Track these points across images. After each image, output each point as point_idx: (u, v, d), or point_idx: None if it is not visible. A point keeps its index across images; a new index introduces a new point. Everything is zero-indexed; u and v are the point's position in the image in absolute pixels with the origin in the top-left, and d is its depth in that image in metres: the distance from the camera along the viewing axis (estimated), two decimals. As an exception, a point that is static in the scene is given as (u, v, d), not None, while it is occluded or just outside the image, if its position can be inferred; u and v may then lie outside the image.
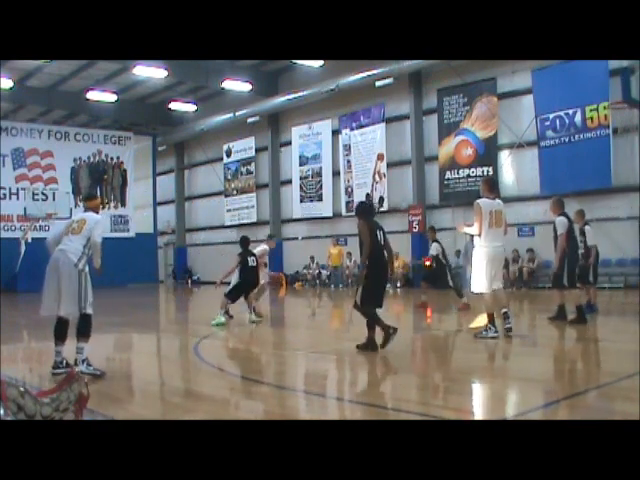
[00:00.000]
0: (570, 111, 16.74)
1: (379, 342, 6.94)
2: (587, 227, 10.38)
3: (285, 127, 25.35)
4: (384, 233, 7.26)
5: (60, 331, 6.05)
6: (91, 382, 3.25)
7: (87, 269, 6.02)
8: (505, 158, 18.62)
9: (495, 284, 7.78)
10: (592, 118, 16.28)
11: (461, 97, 19.38)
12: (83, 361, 5.92)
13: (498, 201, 7.80)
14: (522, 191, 17.95)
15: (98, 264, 6.14)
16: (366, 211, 7.43)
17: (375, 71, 19.90)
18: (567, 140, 16.91)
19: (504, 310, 7.78)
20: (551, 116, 17.17)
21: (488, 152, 18.77)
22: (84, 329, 5.97)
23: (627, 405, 4.41)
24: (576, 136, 16.69)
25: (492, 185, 8.07)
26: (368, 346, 6.94)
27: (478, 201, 7.72)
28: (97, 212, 6.53)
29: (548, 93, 17.15)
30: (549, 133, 17.32)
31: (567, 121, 16.86)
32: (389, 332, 6.90)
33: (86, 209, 6.58)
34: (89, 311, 6.00)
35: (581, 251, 10.36)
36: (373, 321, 7.02)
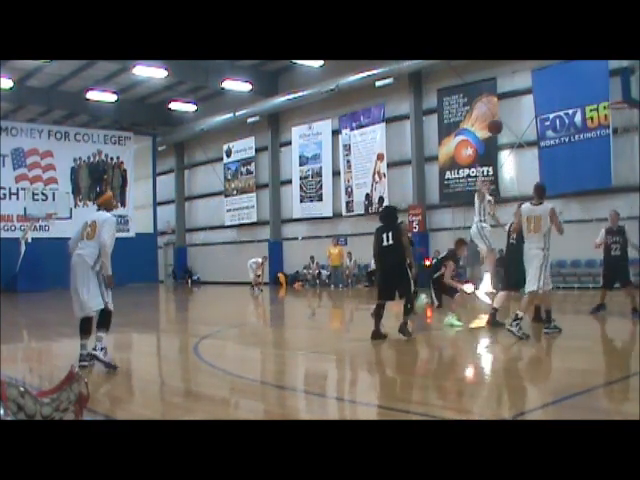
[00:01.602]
0: (570, 111, 16.74)
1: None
2: (627, 226, 10.05)
3: (285, 127, 25.34)
4: (394, 233, 7.89)
5: (85, 326, 6.35)
6: (91, 382, 3.25)
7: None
8: (505, 158, 18.62)
9: (528, 285, 7.79)
10: (592, 118, 16.28)
11: (461, 97, 19.37)
12: (102, 349, 6.20)
13: (543, 206, 7.72)
14: (522, 191, 17.92)
15: (107, 269, 6.27)
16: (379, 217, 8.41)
17: (375, 71, 19.90)
18: (567, 140, 16.90)
19: (519, 313, 7.53)
20: (551, 116, 17.17)
21: (488, 152, 18.77)
22: (105, 321, 6.37)
23: (627, 405, 4.41)
24: (576, 136, 16.68)
25: (541, 192, 7.91)
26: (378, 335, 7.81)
27: (521, 206, 7.94)
28: (109, 208, 6.78)
29: (548, 93, 17.15)
30: (549, 133, 17.31)
31: (567, 121, 16.86)
32: (375, 334, 7.79)
33: (98, 207, 6.79)
34: (111, 308, 6.37)
35: (616, 253, 9.87)
36: (374, 313, 7.93)
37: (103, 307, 6.28)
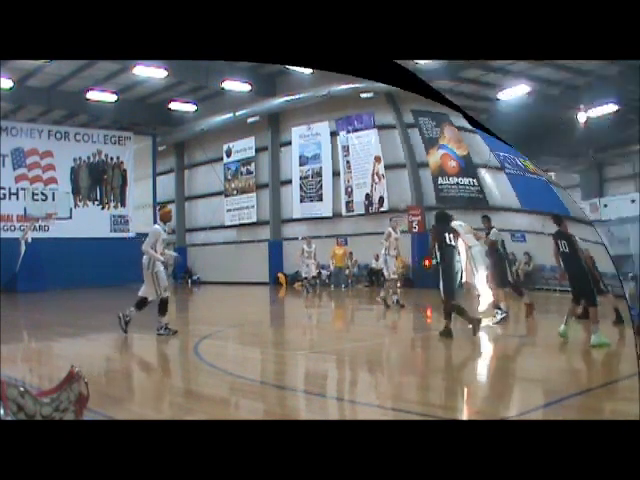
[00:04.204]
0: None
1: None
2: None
3: (285, 127, 25.32)
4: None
5: (143, 304, 8.98)
6: (91, 382, 3.25)
7: (158, 267, 8.89)
8: (484, 173, 18.88)
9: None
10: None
11: (430, 120, 19.87)
12: (162, 327, 9.00)
13: None
14: (506, 203, 18.07)
15: (158, 259, 8.83)
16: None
17: (359, 84, 19.91)
18: (523, 174, 17.02)
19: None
20: (501, 155, 17.29)
21: (469, 166, 19.09)
22: (162, 309, 9.03)
23: (627, 405, 4.41)
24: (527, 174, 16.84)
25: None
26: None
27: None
28: (166, 220, 9.17)
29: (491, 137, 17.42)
30: (507, 165, 17.40)
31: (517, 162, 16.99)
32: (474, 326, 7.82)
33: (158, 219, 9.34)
34: (165, 295, 8.98)
35: None
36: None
37: (156, 298, 8.90)
